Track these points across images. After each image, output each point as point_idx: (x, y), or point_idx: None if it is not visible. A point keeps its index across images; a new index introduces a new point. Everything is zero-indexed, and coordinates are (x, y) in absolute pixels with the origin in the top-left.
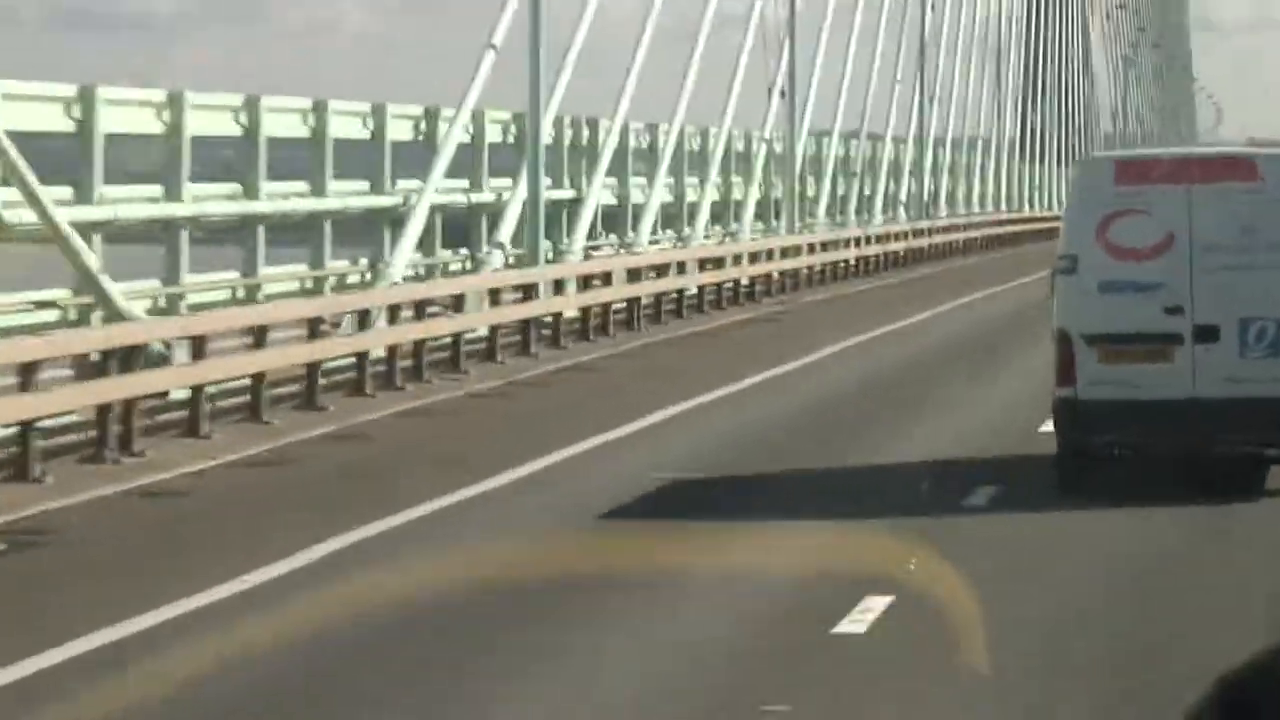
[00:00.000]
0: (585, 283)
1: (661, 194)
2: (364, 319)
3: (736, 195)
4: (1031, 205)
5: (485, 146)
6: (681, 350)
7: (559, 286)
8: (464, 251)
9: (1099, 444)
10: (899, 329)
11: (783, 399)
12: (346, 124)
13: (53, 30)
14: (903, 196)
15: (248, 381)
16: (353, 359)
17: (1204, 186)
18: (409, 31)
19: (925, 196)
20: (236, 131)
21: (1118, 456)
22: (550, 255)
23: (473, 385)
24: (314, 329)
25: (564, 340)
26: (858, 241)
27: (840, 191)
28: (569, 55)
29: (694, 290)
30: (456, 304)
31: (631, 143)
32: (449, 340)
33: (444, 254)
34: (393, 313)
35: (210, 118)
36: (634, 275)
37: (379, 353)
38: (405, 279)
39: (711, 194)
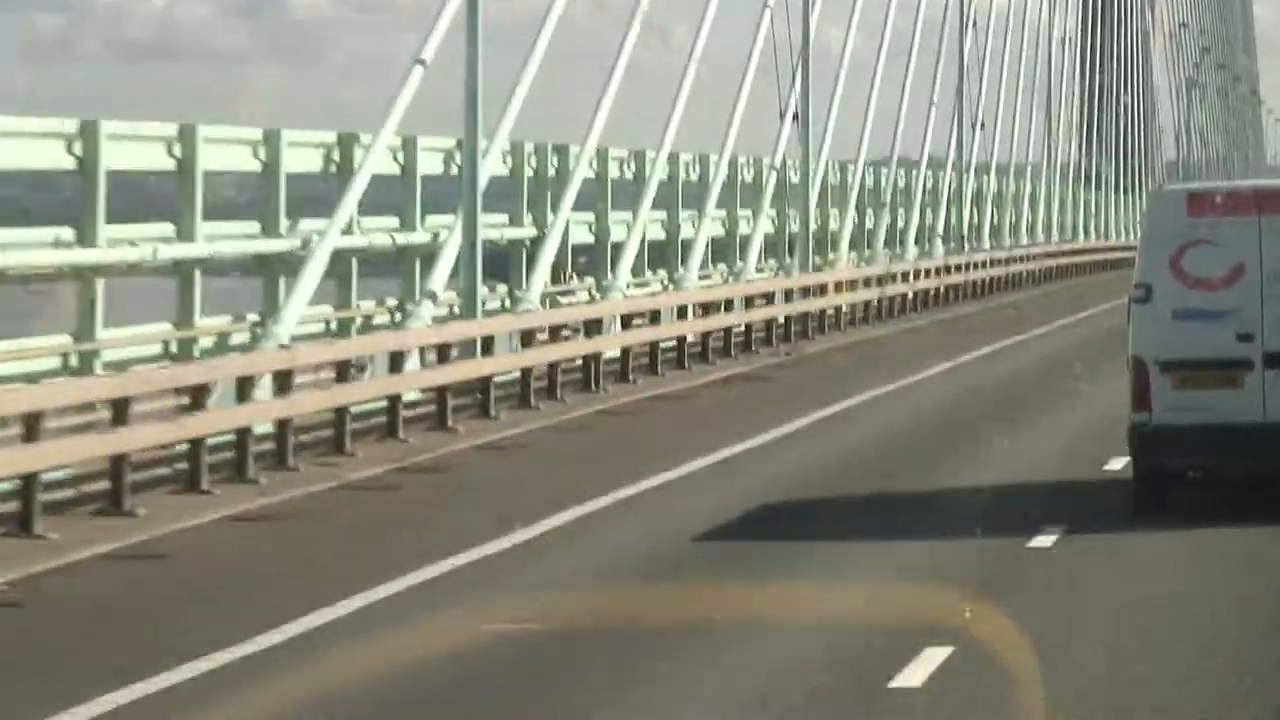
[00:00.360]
0: (529, 338)
1: (649, 229)
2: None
3: (743, 230)
4: (1088, 234)
5: (417, 178)
6: (612, 427)
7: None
8: (390, 300)
9: (1173, 467)
10: (888, 392)
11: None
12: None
13: (118, 63)
14: (940, 229)
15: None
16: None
17: (1273, 218)
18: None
19: (965, 228)
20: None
21: (1191, 480)
22: (505, 301)
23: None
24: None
25: (494, 409)
26: (880, 280)
27: (869, 224)
28: (525, 74)
29: (679, 340)
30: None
31: (614, 172)
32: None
33: (367, 304)
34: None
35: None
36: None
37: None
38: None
39: (712, 229)
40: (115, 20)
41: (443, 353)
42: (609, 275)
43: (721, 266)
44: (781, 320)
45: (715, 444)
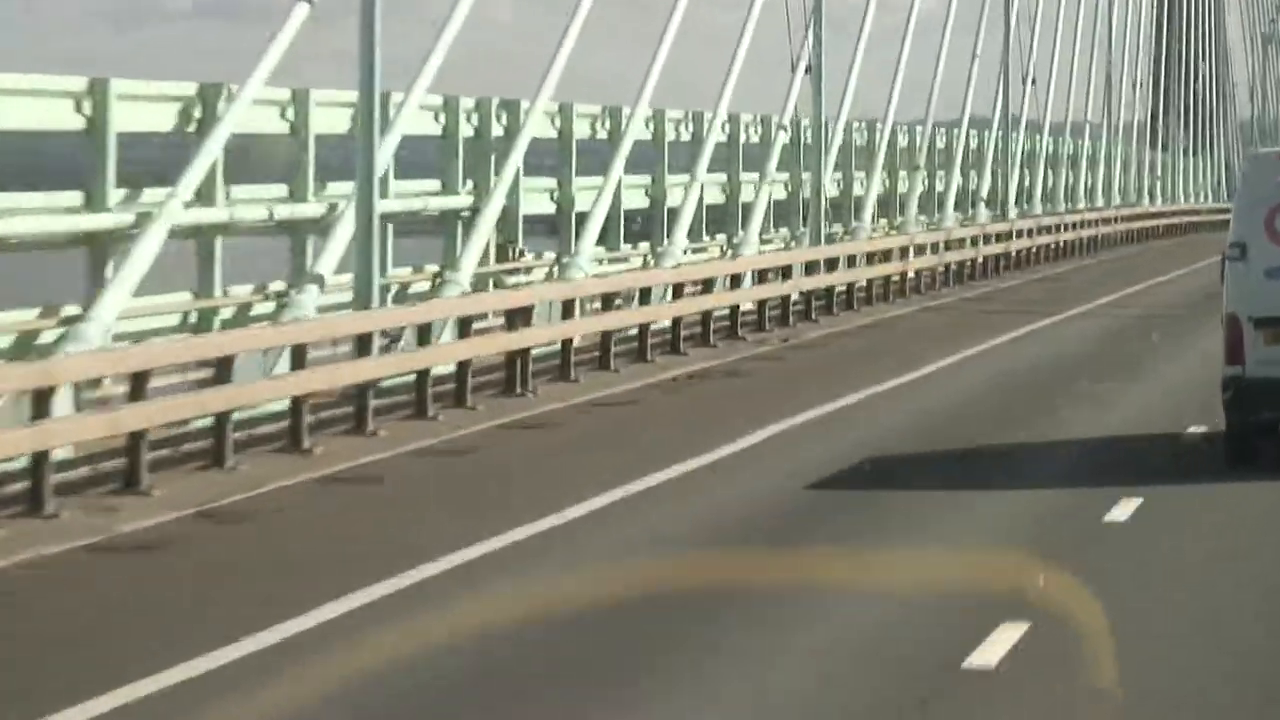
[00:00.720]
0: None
1: (627, 197)
2: None
3: (746, 196)
4: (1153, 198)
5: (310, 143)
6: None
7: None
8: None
9: (1265, 420)
10: (881, 393)
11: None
12: None
13: (184, 20)
14: (984, 193)
15: None
16: None
17: None
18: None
19: (1010, 192)
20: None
21: None
22: (431, 284)
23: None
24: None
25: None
26: (904, 252)
27: (902, 189)
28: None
29: (666, 323)
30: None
31: (581, 131)
32: None
33: (240, 290)
34: None
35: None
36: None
37: None
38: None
39: (706, 195)
40: None
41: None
42: (573, 248)
43: (720, 238)
44: (781, 300)
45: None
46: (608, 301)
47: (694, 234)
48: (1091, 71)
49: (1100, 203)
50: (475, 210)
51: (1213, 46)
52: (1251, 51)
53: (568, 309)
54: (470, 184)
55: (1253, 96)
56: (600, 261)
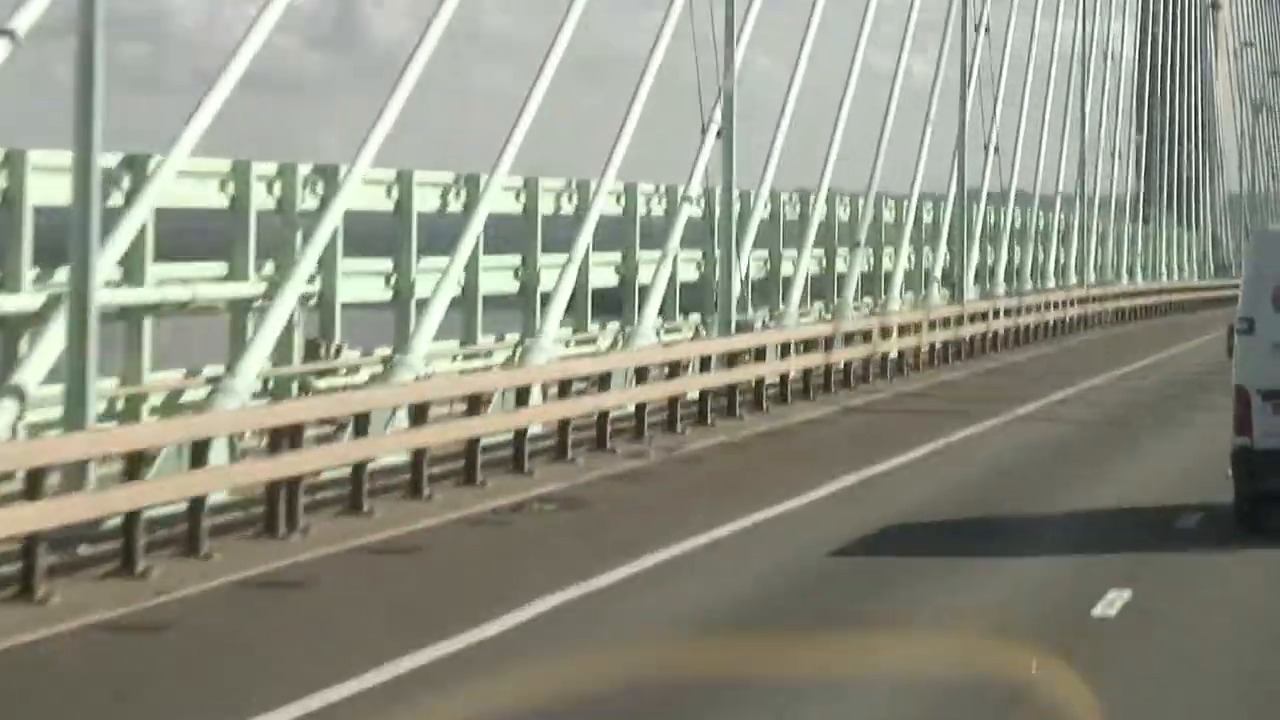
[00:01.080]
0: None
1: (489, 280)
2: None
3: (645, 278)
4: (1133, 275)
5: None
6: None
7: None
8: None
9: (1273, 488)
10: (696, 551)
11: None
12: None
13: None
14: (938, 271)
15: None
16: None
17: None
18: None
19: (969, 270)
20: None
21: None
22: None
23: None
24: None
25: None
26: (828, 342)
27: (842, 267)
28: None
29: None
30: None
31: (428, 203)
32: None
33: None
34: None
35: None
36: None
37: None
38: None
39: (595, 276)
40: (197, 49)
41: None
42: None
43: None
44: (694, 396)
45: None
46: (420, 413)
47: (578, 320)
48: (1064, 138)
49: (1073, 280)
50: (270, 298)
51: (1199, 114)
52: (1240, 119)
53: (360, 424)
54: (273, 266)
55: (1241, 167)
56: (455, 358)
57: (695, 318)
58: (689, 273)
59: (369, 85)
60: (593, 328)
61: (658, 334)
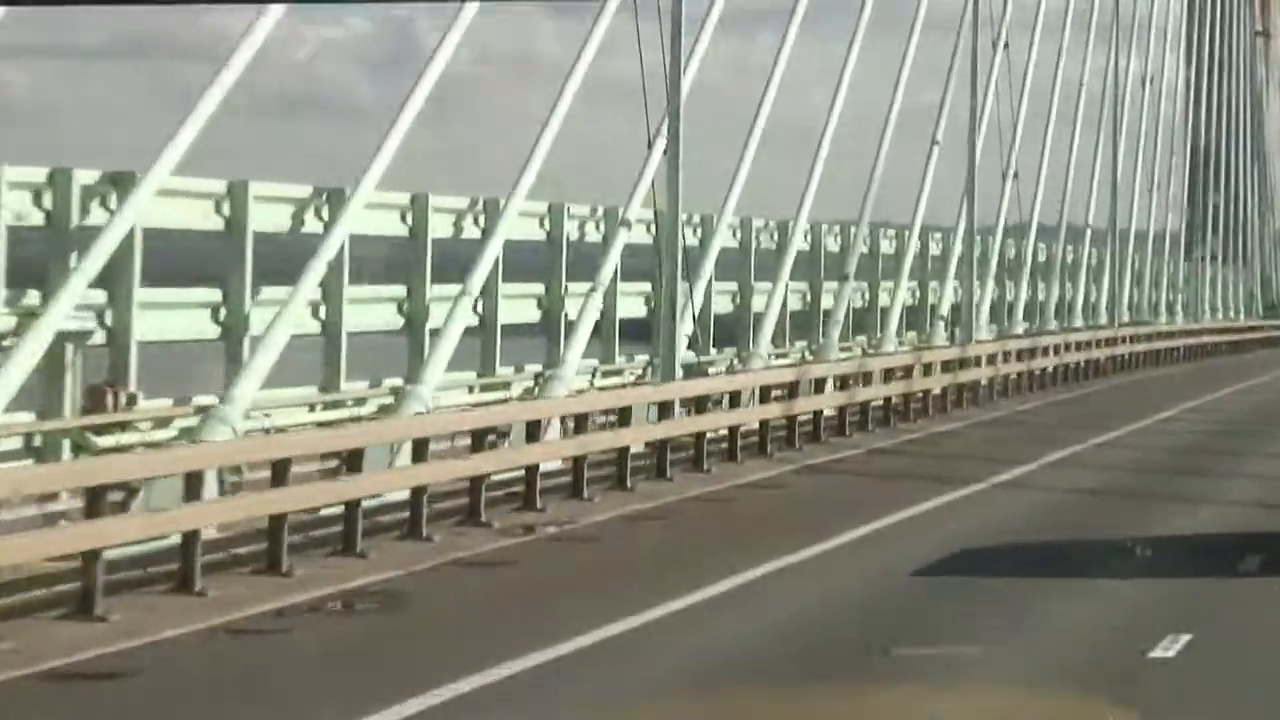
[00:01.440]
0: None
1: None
2: None
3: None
4: (1173, 314)
5: None
6: None
7: None
8: None
9: None
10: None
11: None
12: None
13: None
14: (944, 309)
15: None
16: None
17: None
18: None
19: (983, 308)
20: None
21: None
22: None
23: None
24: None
25: None
26: (792, 388)
27: (827, 304)
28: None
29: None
30: None
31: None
32: None
33: None
34: None
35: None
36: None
37: None
38: None
39: (519, 309)
40: (253, 73)
41: None
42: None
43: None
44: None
45: None
46: (278, 473)
47: (485, 362)
48: (1095, 168)
49: (1103, 320)
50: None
51: (1250, 146)
52: None
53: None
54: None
55: None
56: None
57: (643, 358)
58: (635, 307)
59: (433, 111)
60: (503, 370)
61: (594, 374)
